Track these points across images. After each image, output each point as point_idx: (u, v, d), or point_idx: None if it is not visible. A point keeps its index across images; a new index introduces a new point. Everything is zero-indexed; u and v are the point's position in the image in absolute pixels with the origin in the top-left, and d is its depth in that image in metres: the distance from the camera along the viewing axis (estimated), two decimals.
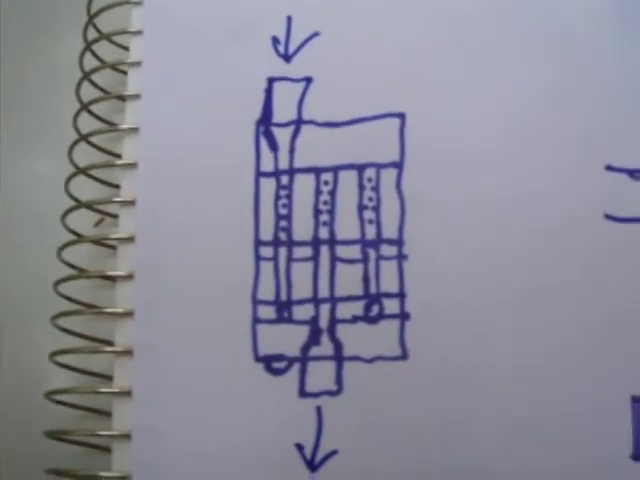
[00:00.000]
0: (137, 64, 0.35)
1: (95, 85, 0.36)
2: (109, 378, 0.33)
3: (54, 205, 0.35)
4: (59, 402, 0.33)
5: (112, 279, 0.33)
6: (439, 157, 0.32)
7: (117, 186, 0.34)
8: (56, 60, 0.40)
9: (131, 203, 0.33)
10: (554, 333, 0.31)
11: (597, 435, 0.30)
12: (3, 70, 0.40)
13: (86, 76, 0.36)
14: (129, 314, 0.32)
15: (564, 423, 0.30)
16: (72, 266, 0.34)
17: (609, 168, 0.32)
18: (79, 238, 0.34)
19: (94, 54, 0.36)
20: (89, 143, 0.35)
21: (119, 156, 0.34)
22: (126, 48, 0.36)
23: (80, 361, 0.34)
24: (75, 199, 0.35)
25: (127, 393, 0.32)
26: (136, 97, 0.34)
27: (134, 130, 0.34)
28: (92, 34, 0.36)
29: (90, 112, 0.36)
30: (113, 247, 0.34)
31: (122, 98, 0.35)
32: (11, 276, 0.38)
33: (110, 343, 0.33)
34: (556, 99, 0.32)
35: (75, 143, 0.35)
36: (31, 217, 0.38)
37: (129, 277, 0.33)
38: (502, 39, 0.33)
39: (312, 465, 0.31)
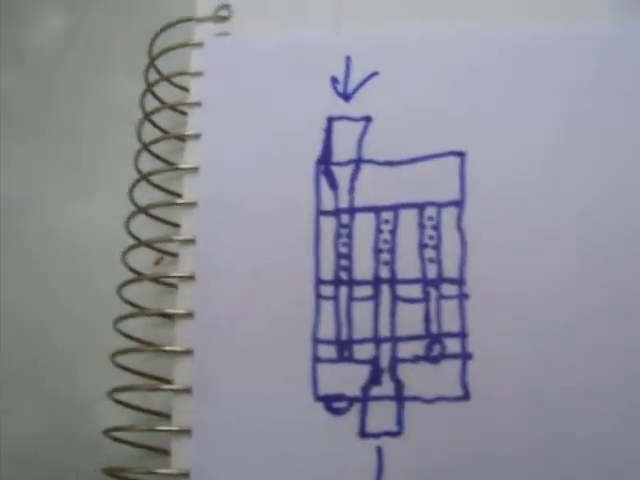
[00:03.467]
0: (197, 105, 0.35)
1: (155, 125, 0.37)
2: (167, 417, 0.33)
3: (114, 245, 0.35)
4: (117, 440, 0.33)
5: (171, 317, 0.33)
6: (499, 196, 0.32)
7: (177, 225, 0.35)
8: (113, 102, 0.41)
9: (191, 242, 0.34)
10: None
11: None
12: (61, 114, 0.41)
13: (147, 116, 0.36)
14: (188, 352, 0.33)
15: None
16: (132, 304, 0.34)
17: None
18: (139, 276, 0.34)
19: (154, 95, 0.37)
20: (149, 182, 0.36)
21: (179, 195, 0.35)
22: (186, 89, 0.36)
23: (138, 400, 0.34)
24: (135, 237, 0.35)
25: (186, 432, 0.32)
26: (196, 137, 0.35)
27: (194, 170, 0.34)
28: (153, 76, 0.37)
29: (151, 152, 0.36)
30: (173, 286, 0.34)
31: (182, 138, 0.35)
32: (73, 313, 0.38)
33: (169, 381, 0.33)
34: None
35: (136, 182, 0.35)
36: (92, 257, 0.39)
37: (189, 315, 0.33)
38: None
39: None
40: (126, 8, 0.42)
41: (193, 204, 0.34)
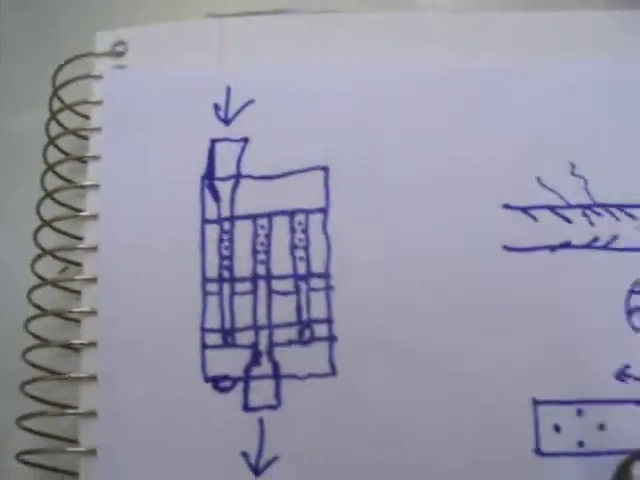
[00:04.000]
0: (97, 130, 0.40)
1: (59, 149, 0.41)
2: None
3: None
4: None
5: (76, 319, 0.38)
6: (359, 203, 0.38)
7: (78, 237, 0.39)
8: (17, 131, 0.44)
9: (93, 249, 0.38)
10: (465, 348, 0.36)
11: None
12: None
13: (52, 141, 0.40)
14: (93, 344, 0.37)
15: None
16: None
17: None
18: (44, 281, 0.38)
19: (58, 122, 0.41)
20: (54, 200, 0.40)
21: (81, 211, 0.39)
22: (87, 117, 0.41)
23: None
24: (41, 248, 0.39)
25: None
26: (96, 158, 0.39)
27: (95, 186, 0.39)
28: (56, 104, 0.41)
29: (55, 172, 0.40)
30: (77, 292, 0.39)
31: (84, 160, 0.40)
32: None
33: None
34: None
35: (43, 199, 0.39)
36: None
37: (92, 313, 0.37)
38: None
39: (256, 470, 0.35)
40: (27, 41, 0.46)
41: (94, 217, 0.38)
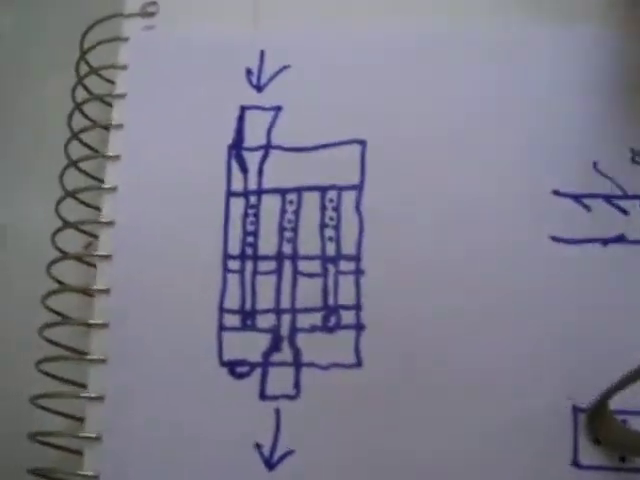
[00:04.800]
0: (121, 97, 0.38)
1: (85, 116, 0.39)
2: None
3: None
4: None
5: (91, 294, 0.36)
6: (396, 181, 0.35)
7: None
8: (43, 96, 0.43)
9: (111, 224, 0.36)
10: (501, 348, 0.33)
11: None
12: None
13: (77, 107, 0.38)
14: (104, 325, 0.35)
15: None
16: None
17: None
18: (65, 255, 0.37)
19: (85, 88, 0.39)
20: (78, 169, 0.38)
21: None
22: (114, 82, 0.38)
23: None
24: (64, 220, 0.37)
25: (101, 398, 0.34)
26: (119, 127, 0.37)
27: (116, 157, 0.37)
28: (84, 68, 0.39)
29: (80, 141, 0.38)
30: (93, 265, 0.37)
31: (107, 128, 0.38)
32: None
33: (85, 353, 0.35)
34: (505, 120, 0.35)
35: (66, 168, 0.37)
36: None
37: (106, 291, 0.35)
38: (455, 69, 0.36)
39: (270, 464, 0.33)
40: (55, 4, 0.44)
41: (114, 189, 0.36)
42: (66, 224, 0.37)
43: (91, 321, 0.35)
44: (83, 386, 0.35)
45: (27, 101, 0.43)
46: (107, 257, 0.36)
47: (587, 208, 0.34)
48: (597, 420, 0.32)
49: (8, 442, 0.37)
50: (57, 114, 0.39)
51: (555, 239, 0.34)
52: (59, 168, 0.38)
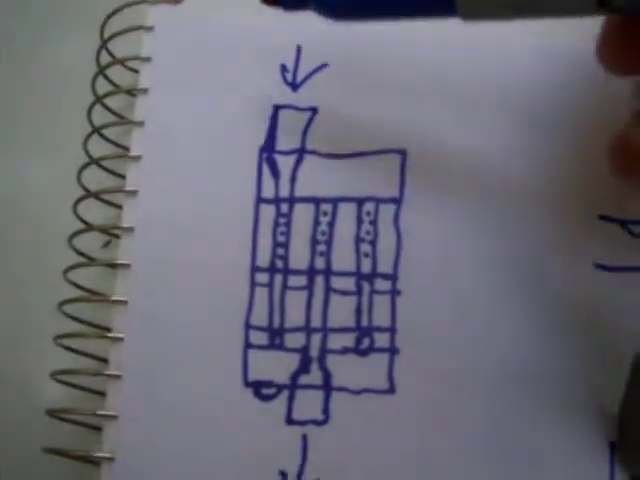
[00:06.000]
0: (144, 91, 0.35)
1: (108, 109, 0.36)
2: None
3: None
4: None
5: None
6: (437, 196, 0.33)
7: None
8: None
9: (130, 230, 0.34)
10: (541, 374, 0.32)
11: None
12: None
13: (99, 99, 0.36)
14: (120, 339, 0.33)
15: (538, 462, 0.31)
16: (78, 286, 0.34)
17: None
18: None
19: (107, 78, 0.37)
20: (102, 136, 0.36)
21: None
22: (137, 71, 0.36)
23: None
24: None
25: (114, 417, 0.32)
26: (142, 124, 0.35)
27: (137, 158, 0.34)
28: (105, 58, 0.37)
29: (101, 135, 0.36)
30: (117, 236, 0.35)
31: (130, 124, 0.35)
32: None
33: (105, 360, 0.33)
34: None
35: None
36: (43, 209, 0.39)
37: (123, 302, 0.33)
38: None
39: None
40: None
41: (134, 193, 0.34)
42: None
43: (108, 334, 0.33)
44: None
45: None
46: (126, 265, 0.33)
47: (632, 234, 0.32)
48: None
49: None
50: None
51: (600, 266, 0.32)
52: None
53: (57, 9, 0.41)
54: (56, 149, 0.39)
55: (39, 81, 0.40)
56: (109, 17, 0.36)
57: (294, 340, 0.32)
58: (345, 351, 0.32)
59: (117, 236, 0.34)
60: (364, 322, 0.32)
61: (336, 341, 0.32)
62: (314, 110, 0.34)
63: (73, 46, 0.40)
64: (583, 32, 0.26)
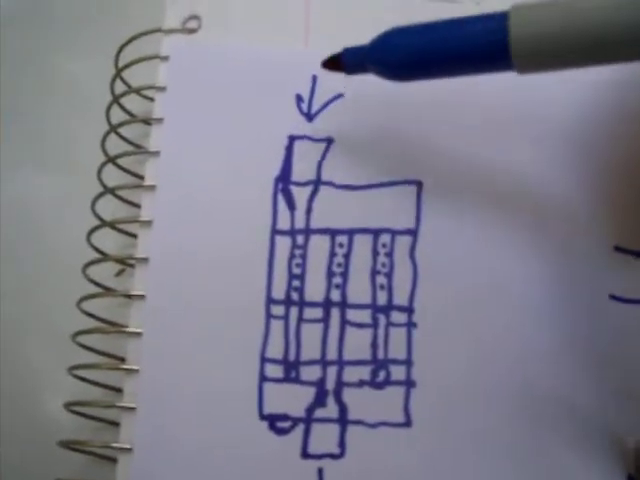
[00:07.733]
0: (159, 120, 0.35)
1: (123, 138, 0.36)
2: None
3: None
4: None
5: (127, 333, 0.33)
6: (453, 227, 0.33)
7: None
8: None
9: (144, 261, 0.34)
10: (556, 408, 0.31)
11: None
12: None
13: (113, 129, 0.36)
14: (135, 371, 0.33)
15: None
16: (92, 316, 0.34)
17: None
18: (103, 291, 0.34)
19: (121, 107, 0.37)
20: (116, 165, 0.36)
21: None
22: (152, 99, 0.36)
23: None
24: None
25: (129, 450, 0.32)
26: (157, 153, 0.35)
27: (152, 187, 0.34)
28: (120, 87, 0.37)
29: (116, 164, 0.36)
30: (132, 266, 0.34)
31: (145, 152, 0.35)
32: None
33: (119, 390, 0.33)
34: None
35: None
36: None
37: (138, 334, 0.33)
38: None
39: None
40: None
41: (149, 223, 0.34)
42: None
43: (123, 366, 0.33)
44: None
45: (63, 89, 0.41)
46: (141, 296, 0.33)
47: None
48: None
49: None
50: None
51: (615, 297, 0.32)
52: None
53: (72, 38, 0.41)
54: (71, 178, 0.39)
55: (53, 112, 0.40)
56: (124, 46, 0.36)
57: (310, 373, 0.32)
58: (361, 384, 0.32)
59: (132, 265, 0.34)
60: (380, 355, 0.32)
61: (352, 374, 0.32)
62: (329, 140, 0.34)
63: (88, 75, 0.40)
64: None
